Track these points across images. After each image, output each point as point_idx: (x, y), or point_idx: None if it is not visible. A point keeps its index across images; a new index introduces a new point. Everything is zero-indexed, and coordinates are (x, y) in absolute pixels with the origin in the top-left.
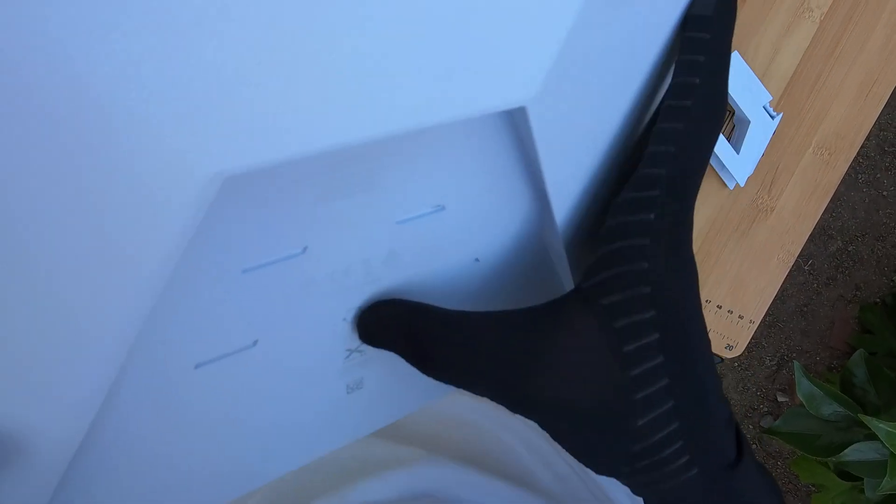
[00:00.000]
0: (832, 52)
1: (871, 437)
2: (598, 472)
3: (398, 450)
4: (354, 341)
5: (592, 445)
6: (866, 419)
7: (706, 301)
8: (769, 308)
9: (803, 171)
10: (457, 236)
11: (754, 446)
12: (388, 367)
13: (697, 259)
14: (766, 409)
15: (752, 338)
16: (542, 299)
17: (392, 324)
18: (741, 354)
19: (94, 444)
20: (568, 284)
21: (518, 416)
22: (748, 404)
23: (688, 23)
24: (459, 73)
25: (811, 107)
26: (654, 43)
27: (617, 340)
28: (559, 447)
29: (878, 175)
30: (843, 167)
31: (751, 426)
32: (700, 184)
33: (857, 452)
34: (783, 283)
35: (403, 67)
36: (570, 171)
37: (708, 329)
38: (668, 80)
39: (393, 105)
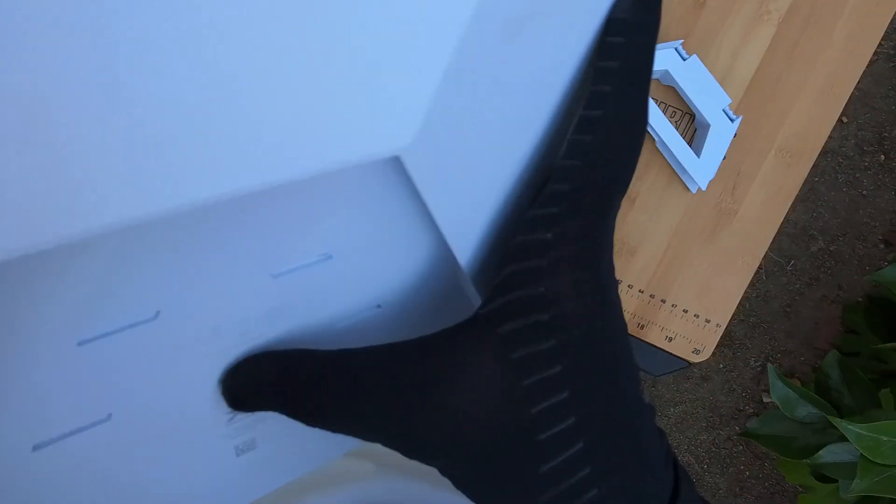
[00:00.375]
0: (791, 53)
1: (845, 438)
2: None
3: (349, 463)
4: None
5: (496, 494)
6: (836, 421)
7: (672, 306)
8: (754, 309)
9: (765, 174)
10: (349, 285)
11: (741, 447)
12: (282, 422)
13: (663, 264)
14: (752, 411)
15: (738, 339)
16: None
17: (259, 380)
18: (726, 356)
19: None
20: None
21: None
22: (734, 406)
23: (605, 27)
24: (319, 125)
25: (772, 109)
26: (565, 66)
27: (515, 374)
28: None
29: (858, 175)
30: (806, 169)
31: (737, 428)
32: (621, 197)
33: (830, 454)
34: (768, 284)
35: (245, 119)
36: (469, 211)
37: (676, 334)
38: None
39: (234, 161)
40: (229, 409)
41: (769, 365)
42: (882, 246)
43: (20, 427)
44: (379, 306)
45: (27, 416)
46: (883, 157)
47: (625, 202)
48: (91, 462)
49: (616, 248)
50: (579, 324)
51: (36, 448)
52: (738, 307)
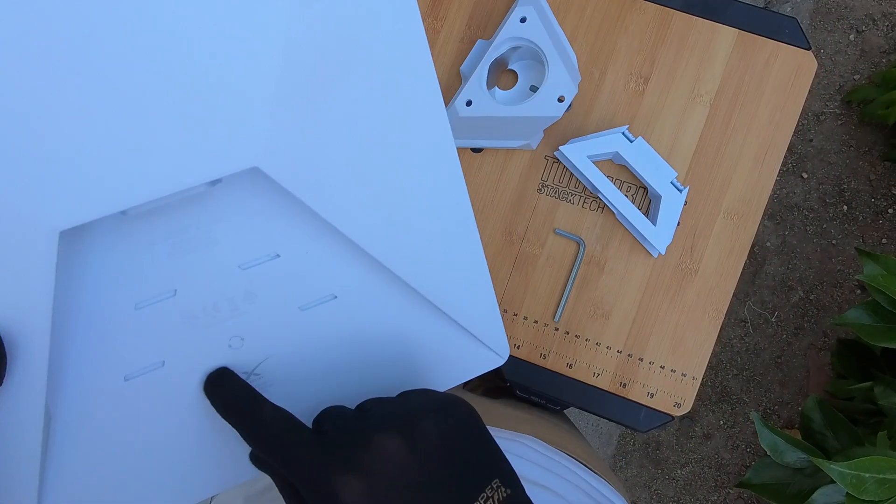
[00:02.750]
0: (725, 128)
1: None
2: None
3: None
4: (248, 364)
5: None
6: (819, 462)
7: (650, 363)
8: (746, 363)
9: (718, 235)
10: (301, 278)
11: None
12: (294, 389)
13: (636, 324)
14: None
15: (734, 394)
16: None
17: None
18: (725, 412)
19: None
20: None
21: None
22: (740, 462)
23: None
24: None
25: (715, 177)
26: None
27: None
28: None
29: (825, 226)
30: (753, 228)
31: None
32: None
33: (823, 497)
34: (756, 337)
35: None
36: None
37: (656, 390)
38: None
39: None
40: (243, 372)
41: (753, 413)
42: (858, 291)
43: (117, 363)
44: (335, 297)
45: (121, 356)
46: (846, 206)
47: (595, 269)
48: (155, 397)
49: (591, 313)
50: None
51: (126, 378)
52: (730, 362)
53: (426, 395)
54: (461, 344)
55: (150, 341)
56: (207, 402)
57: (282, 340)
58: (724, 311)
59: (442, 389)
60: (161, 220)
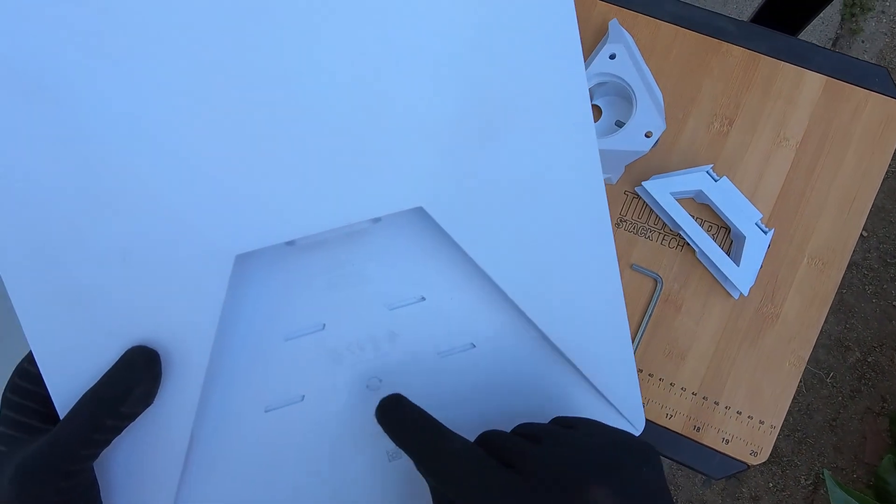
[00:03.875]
0: (811, 173)
1: None
2: None
3: None
4: None
5: None
6: None
7: (726, 408)
8: (798, 424)
9: (801, 281)
10: (443, 323)
11: None
12: None
13: (712, 366)
14: None
15: (785, 456)
16: (544, 378)
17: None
18: (775, 474)
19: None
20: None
21: None
22: None
23: None
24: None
25: (799, 222)
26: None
27: None
28: None
29: (885, 286)
30: (838, 276)
31: None
32: None
33: None
34: (809, 397)
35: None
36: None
37: (732, 436)
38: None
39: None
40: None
41: (825, 471)
42: None
43: (259, 394)
44: (473, 345)
45: (262, 387)
46: None
47: (671, 308)
48: (292, 429)
49: (666, 352)
50: None
51: (266, 410)
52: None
53: (609, 432)
54: (596, 410)
55: (294, 374)
56: (339, 440)
57: (418, 384)
58: (806, 360)
59: None
60: (320, 255)
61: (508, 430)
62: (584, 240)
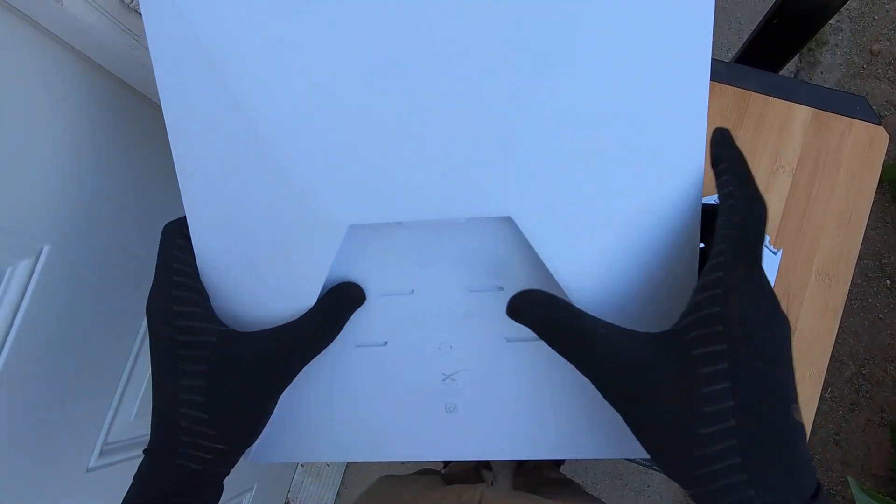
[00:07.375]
0: (809, 195)
1: None
2: (664, 470)
3: None
4: (449, 368)
5: (660, 441)
6: None
7: None
8: None
9: (811, 295)
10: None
11: None
12: (479, 405)
13: None
14: None
15: None
16: None
17: (538, 304)
18: None
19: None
20: None
21: None
22: None
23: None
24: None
25: (803, 241)
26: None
27: (692, 366)
28: None
29: (870, 300)
30: (845, 288)
31: None
32: (762, 246)
33: None
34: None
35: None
36: (580, 268)
37: None
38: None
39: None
40: (442, 372)
41: (849, 478)
42: None
43: (351, 336)
44: (538, 338)
45: (356, 328)
46: (888, 281)
47: None
48: (375, 367)
49: None
50: (745, 335)
51: (357, 346)
52: (810, 430)
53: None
54: None
55: (382, 323)
56: (406, 386)
57: (483, 359)
58: (825, 371)
59: (626, 456)
60: (422, 233)
61: (556, 413)
62: (667, 280)
